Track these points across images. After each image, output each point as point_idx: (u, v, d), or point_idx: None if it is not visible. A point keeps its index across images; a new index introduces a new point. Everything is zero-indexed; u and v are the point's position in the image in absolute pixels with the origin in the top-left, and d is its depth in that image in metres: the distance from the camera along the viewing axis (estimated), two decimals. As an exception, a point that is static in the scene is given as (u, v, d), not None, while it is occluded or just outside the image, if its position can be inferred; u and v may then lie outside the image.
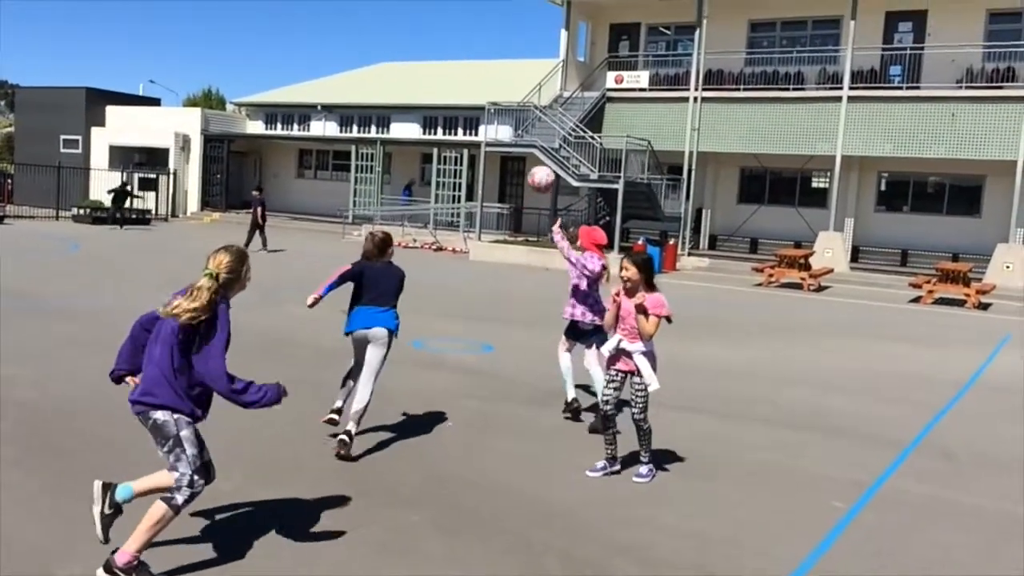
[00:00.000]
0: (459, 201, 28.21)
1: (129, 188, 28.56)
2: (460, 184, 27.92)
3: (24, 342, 9.19)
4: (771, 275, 20.82)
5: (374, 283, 6.20)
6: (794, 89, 25.33)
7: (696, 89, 25.75)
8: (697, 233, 27.10)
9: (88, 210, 29.15)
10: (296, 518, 4.87)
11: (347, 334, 6.26)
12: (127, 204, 27.87)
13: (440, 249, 26.25)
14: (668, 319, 5.73)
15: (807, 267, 20.89)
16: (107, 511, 3.98)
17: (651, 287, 5.75)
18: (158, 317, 3.98)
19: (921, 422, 8.02)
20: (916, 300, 19.13)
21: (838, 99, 23.96)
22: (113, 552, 3.87)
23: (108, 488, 4.00)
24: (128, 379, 4.17)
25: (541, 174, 7.84)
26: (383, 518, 4.95)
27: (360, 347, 6.24)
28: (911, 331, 14.56)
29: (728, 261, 24.72)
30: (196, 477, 3.92)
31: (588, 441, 6.66)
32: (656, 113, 26.59)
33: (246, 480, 5.38)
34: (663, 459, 6.33)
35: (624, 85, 27.15)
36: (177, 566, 4.15)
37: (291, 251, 22.25)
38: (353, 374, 6.35)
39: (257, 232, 21.90)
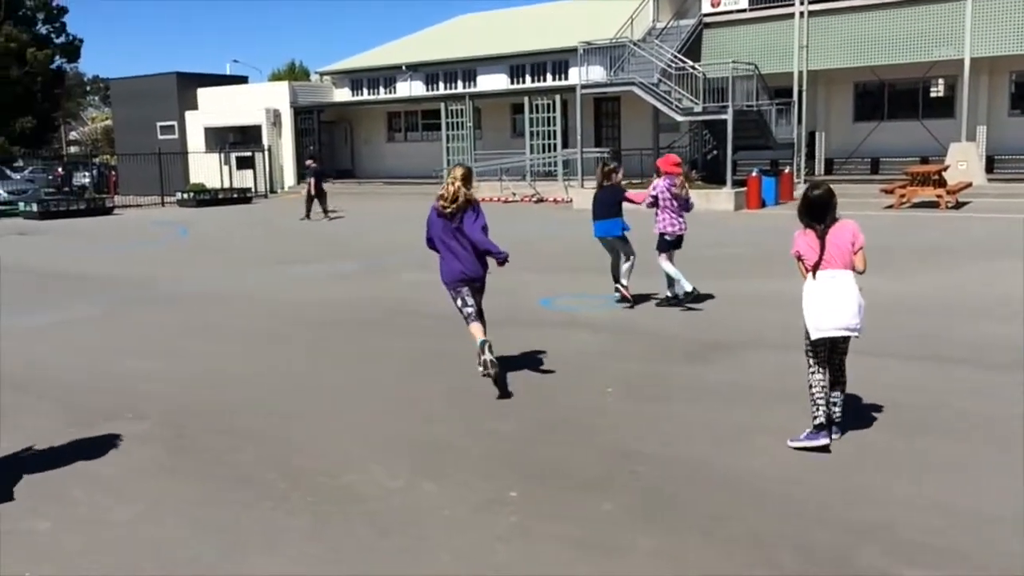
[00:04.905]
0: (555, 150, 27.30)
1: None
2: (555, 132, 27.00)
3: (150, 334, 8.99)
4: (903, 195, 19.31)
5: (601, 202, 9.39)
6: (910, -9, 23.28)
7: (801, 3, 23.95)
8: (812, 159, 25.46)
9: (192, 194, 29.61)
10: (473, 512, 4.32)
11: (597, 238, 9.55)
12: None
13: (541, 200, 25.52)
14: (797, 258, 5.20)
15: (942, 183, 19.27)
16: (493, 358, 6.05)
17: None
18: (438, 228, 6.45)
19: None
20: (1072, 209, 17.41)
21: (962, -4, 21.86)
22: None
23: (485, 343, 6.10)
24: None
25: None
26: (570, 508, 4.34)
27: (608, 247, 9.50)
28: (1081, 243, 13.11)
29: (849, 185, 23.08)
30: None
31: (770, 398, 5.92)
32: (758, 34, 24.91)
33: (413, 474, 4.87)
34: (866, 413, 5.54)
35: (721, 8, 25.50)
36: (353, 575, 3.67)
37: (392, 216, 21.89)
38: (613, 264, 9.55)
39: (316, 201, 21.73)
